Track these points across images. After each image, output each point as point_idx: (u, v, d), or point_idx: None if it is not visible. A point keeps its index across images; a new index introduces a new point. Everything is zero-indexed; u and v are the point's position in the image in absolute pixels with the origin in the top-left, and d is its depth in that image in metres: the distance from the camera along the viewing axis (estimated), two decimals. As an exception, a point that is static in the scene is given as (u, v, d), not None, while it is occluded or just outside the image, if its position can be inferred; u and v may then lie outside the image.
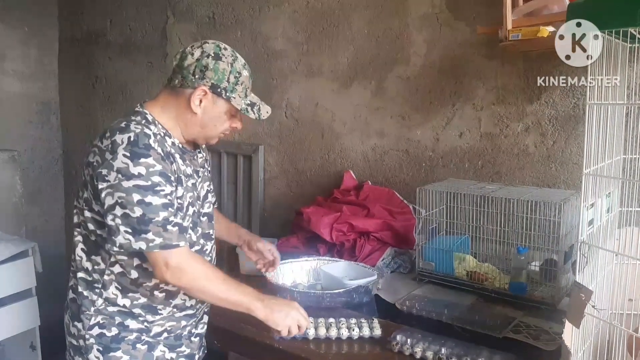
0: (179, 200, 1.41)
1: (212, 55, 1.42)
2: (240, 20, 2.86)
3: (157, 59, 3.27)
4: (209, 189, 1.62)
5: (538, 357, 1.44)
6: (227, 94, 1.43)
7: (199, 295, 1.45)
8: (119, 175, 1.31)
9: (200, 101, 1.43)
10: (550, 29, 1.72)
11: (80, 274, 1.47)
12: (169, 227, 1.34)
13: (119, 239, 1.32)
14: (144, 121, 1.41)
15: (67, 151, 3.93)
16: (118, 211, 1.32)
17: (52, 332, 2.07)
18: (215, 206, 1.80)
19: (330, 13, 2.54)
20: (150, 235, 1.32)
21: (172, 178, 1.38)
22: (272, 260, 1.82)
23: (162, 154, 1.36)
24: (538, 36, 1.70)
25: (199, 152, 1.61)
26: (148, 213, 1.31)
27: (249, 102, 1.49)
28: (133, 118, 1.41)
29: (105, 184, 1.33)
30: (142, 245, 1.32)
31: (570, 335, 1.16)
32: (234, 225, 1.87)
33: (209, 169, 1.72)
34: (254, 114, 1.49)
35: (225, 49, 1.45)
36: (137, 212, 1.31)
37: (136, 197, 1.31)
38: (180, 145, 1.48)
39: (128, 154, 1.32)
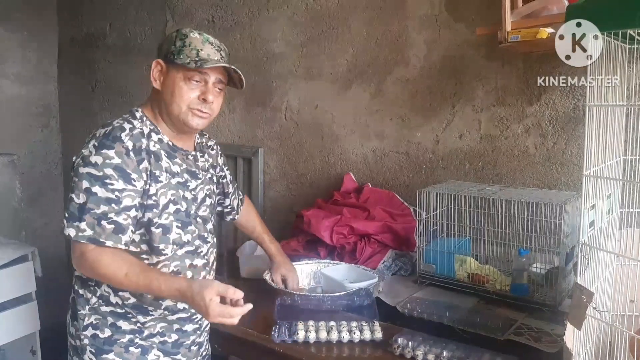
0: (153, 198, 1.41)
1: (172, 34, 1.48)
2: (240, 23, 2.86)
3: (156, 62, 3.27)
4: (208, 192, 1.61)
5: (540, 359, 1.44)
6: (174, 57, 1.43)
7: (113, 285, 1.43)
8: (79, 161, 1.37)
9: (160, 76, 1.46)
10: (550, 30, 1.71)
11: (77, 272, 1.49)
12: (104, 222, 1.34)
13: (62, 221, 1.36)
14: (129, 116, 1.46)
15: (66, 154, 3.93)
16: (68, 195, 1.36)
17: (53, 336, 2.07)
18: (241, 208, 1.90)
19: (329, 15, 2.54)
20: (82, 225, 1.33)
21: (134, 175, 1.37)
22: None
23: (131, 149, 1.38)
24: (537, 38, 1.70)
25: (200, 156, 1.60)
26: (89, 202, 1.33)
27: (197, 58, 1.42)
28: (122, 115, 1.46)
29: (72, 171, 1.38)
30: (71, 232, 1.34)
31: (571, 337, 1.15)
32: (266, 242, 1.93)
33: (217, 174, 1.74)
34: (196, 64, 1.41)
35: (191, 30, 1.46)
36: (81, 198, 1.34)
37: (85, 184, 1.34)
38: (170, 143, 1.49)
39: (96, 144, 1.37)
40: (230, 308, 1.26)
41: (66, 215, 1.35)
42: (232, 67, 1.46)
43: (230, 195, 1.83)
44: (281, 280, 1.87)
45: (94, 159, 1.35)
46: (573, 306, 1.16)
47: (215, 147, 1.75)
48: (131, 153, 1.37)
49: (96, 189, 1.33)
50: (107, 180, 1.34)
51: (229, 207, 1.85)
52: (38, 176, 3.82)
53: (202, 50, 1.43)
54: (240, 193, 1.92)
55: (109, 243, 1.34)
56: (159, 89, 1.46)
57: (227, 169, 1.82)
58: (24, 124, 3.73)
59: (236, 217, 1.90)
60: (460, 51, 2.20)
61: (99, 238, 1.34)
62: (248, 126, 2.86)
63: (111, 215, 1.34)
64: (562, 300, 1.72)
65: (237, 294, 1.28)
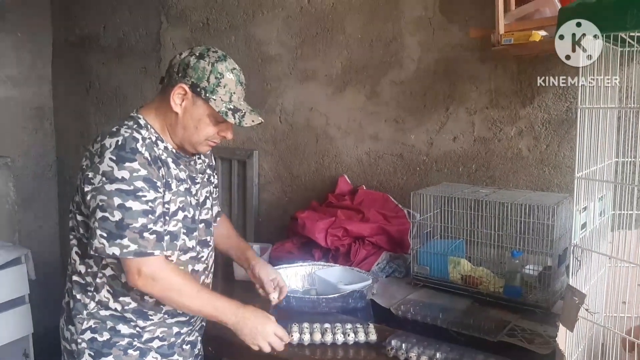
0: (166, 205, 1.41)
1: (197, 55, 1.41)
2: (234, 25, 2.86)
3: (150, 64, 3.27)
4: (207, 195, 1.61)
5: (533, 360, 1.44)
6: (207, 95, 1.40)
7: (172, 305, 1.45)
8: (103, 179, 1.32)
9: (182, 101, 1.42)
10: (543, 33, 1.72)
11: (74, 277, 1.48)
12: (146, 234, 1.33)
13: (95, 242, 1.33)
14: (135, 125, 1.42)
15: (60, 157, 3.91)
16: (98, 214, 1.32)
17: (46, 339, 2.07)
18: (219, 218, 1.79)
19: (324, 18, 2.55)
20: (125, 241, 1.32)
21: (159, 184, 1.37)
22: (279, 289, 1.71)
23: (150, 159, 1.36)
24: (530, 40, 1.71)
25: (197, 158, 1.60)
26: (127, 218, 1.31)
27: (232, 107, 1.42)
28: (125, 123, 1.42)
29: (90, 187, 1.34)
30: (115, 250, 1.32)
31: (564, 338, 1.16)
32: (244, 245, 1.81)
33: (214, 174, 1.71)
34: (235, 119, 1.41)
35: (214, 51, 1.43)
36: (116, 216, 1.31)
37: (117, 201, 1.31)
38: (174, 150, 1.48)
39: (114, 158, 1.32)
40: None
41: (103, 235, 1.32)
42: (261, 120, 1.46)
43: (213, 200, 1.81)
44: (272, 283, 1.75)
45: (119, 174, 1.32)
46: (565, 308, 1.17)
47: None
48: (151, 162, 1.37)
49: (130, 203, 1.32)
50: (140, 193, 1.33)
51: None
52: (32, 178, 3.80)
53: (234, 93, 1.43)
54: (219, 204, 1.84)
55: (157, 253, 1.35)
56: (178, 113, 1.43)
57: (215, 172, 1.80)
58: (18, 125, 3.71)
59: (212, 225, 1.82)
60: (454, 53, 2.21)
61: (146, 250, 1.33)
62: (242, 128, 2.84)
63: (150, 225, 1.34)
64: (555, 302, 1.73)
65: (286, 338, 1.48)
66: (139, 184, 1.33)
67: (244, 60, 2.77)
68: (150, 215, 1.34)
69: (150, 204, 1.34)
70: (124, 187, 1.32)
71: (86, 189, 1.35)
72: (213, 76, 1.40)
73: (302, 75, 2.65)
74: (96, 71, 3.60)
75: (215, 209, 1.75)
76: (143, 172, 1.34)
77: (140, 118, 1.45)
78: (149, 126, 1.44)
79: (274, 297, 1.67)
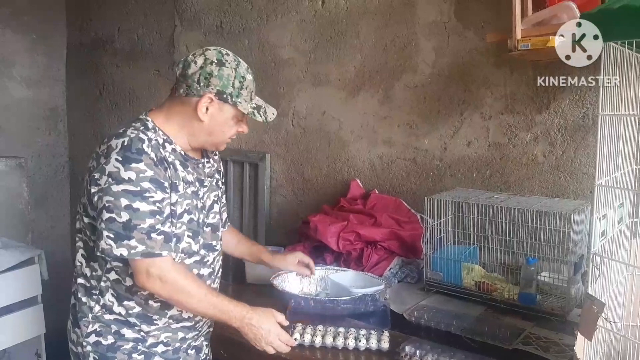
0: (172, 207, 1.41)
1: (216, 62, 1.42)
2: (248, 29, 2.87)
3: (164, 67, 3.28)
4: (215, 199, 1.61)
5: (548, 369, 1.43)
6: (233, 99, 1.44)
7: (179, 307, 1.46)
8: (110, 179, 1.32)
9: (207, 109, 1.43)
10: (560, 38, 1.71)
11: (80, 280, 1.48)
12: (154, 235, 1.33)
13: (101, 243, 1.32)
14: (142, 127, 1.43)
15: (73, 158, 3.95)
16: (104, 215, 1.32)
17: (58, 339, 2.07)
18: (228, 225, 1.82)
19: (338, 22, 2.54)
20: (133, 242, 1.31)
21: (166, 184, 1.37)
22: (306, 265, 1.88)
23: (156, 160, 1.37)
24: (547, 46, 1.69)
25: (207, 162, 1.60)
26: (134, 219, 1.31)
27: (255, 105, 1.49)
28: (133, 124, 1.43)
29: (96, 188, 1.34)
30: (123, 251, 1.32)
31: (582, 347, 1.14)
32: (256, 248, 1.88)
33: (222, 179, 1.72)
34: (261, 116, 1.49)
35: (227, 54, 1.46)
36: (124, 217, 1.31)
37: (124, 202, 1.31)
38: (183, 153, 1.48)
39: (120, 159, 1.33)
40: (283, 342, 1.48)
41: (110, 235, 1.32)
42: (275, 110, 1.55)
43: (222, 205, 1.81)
44: (299, 264, 1.88)
45: (126, 174, 1.32)
46: (584, 317, 1.16)
47: (217, 152, 1.74)
48: (157, 163, 1.37)
49: (137, 204, 1.32)
50: (147, 194, 1.33)
51: None
52: (45, 179, 3.83)
53: (253, 92, 1.49)
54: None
55: (164, 253, 1.35)
56: (204, 121, 1.45)
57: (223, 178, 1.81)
58: (32, 127, 3.74)
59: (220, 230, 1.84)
60: (469, 58, 2.20)
61: (154, 251, 1.33)
62: (255, 131, 2.86)
63: (158, 226, 1.34)
64: (571, 309, 1.71)
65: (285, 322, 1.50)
66: (146, 184, 1.33)
67: (257, 64, 2.78)
68: (157, 216, 1.34)
69: (157, 204, 1.34)
70: (131, 187, 1.32)
71: (93, 190, 1.35)
72: (237, 81, 1.44)
73: (315, 79, 2.65)
74: (110, 73, 3.62)
75: (224, 214, 1.77)
76: (150, 172, 1.34)
77: (148, 121, 1.45)
78: (156, 128, 1.45)
79: (307, 274, 1.89)
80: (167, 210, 1.37)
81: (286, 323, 1.51)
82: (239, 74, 1.44)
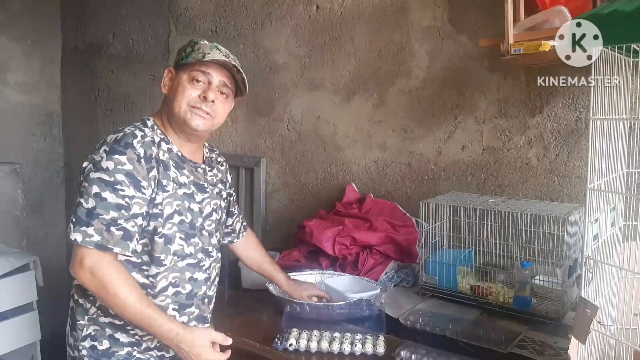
0: (159, 207, 1.41)
1: (185, 44, 1.51)
2: (243, 34, 2.87)
3: (159, 72, 3.26)
4: (214, 207, 1.60)
5: (543, 372, 1.43)
6: (182, 61, 1.48)
7: (107, 306, 1.40)
8: (91, 166, 1.36)
9: (169, 81, 1.50)
10: (552, 43, 1.72)
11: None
12: (113, 228, 1.33)
13: (69, 226, 1.34)
14: (141, 125, 1.46)
15: (69, 163, 3.94)
16: (77, 199, 1.35)
17: (53, 346, 2.06)
18: (243, 234, 1.86)
19: (332, 27, 2.55)
20: (90, 230, 1.31)
21: (143, 183, 1.37)
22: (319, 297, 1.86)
23: (142, 156, 1.38)
24: (540, 50, 1.70)
25: (209, 169, 1.61)
26: (98, 208, 1.32)
27: (202, 57, 1.45)
28: (134, 123, 1.47)
29: (82, 177, 1.37)
30: (78, 236, 1.31)
31: (576, 351, 1.15)
32: (270, 269, 1.87)
33: (227, 190, 1.73)
34: (197, 57, 1.44)
35: (202, 39, 1.51)
36: (90, 203, 1.32)
37: (95, 189, 1.33)
38: (179, 154, 1.49)
39: (107, 149, 1.36)
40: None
41: (73, 219, 1.32)
42: (233, 63, 1.47)
43: (233, 216, 1.82)
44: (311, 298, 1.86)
45: (105, 164, 1.34)
46: (577, 320, 1.16)
47: (224, 164, 1.75)
48: (142, 160, 1.37)
49: (106, 194, 1.32)
50: (118, 186, 1.33)
51: (230, 227, 1.81)
52: (40, 185, 3.82)
53: (209, 53, 1.45)
54: (244, 219, 1.90)
55: (116, 250, 1.33)
56: (167, 93, 1.50)
57: (233, 190, 1.81)
58: (27, 132, 3.74)
59: (235, 241, 1.85)
60: (463, 62, 2.21)
61: (107, 244, 1.32)
62: (250, 136, 2.87)
63: (120, 221, 1.33)
64: (565, 313, 1.71)
65: (228, 340, 1.45)
66: (120, 177, 1.34)
67: (252, 69, 2.79)
68: (123, 211, 1.33)
69: (126, 199, 1.34)
70: (105, 177, 1.33)
71: (80, 179, 1.38)
72: (189, 46, 1.49)
73: (310, 84, 2.66)
74: (105, 78, 3.62)
75: (238, 224, 1.83)
76: (128, 166, 1.35)
77: (149, 120, 1.50)
78: (155, 127, 1.48)
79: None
80: (135, 209, 1.36)
81: (227, 342, 1.44)
82: (192, 41, 1.49)
